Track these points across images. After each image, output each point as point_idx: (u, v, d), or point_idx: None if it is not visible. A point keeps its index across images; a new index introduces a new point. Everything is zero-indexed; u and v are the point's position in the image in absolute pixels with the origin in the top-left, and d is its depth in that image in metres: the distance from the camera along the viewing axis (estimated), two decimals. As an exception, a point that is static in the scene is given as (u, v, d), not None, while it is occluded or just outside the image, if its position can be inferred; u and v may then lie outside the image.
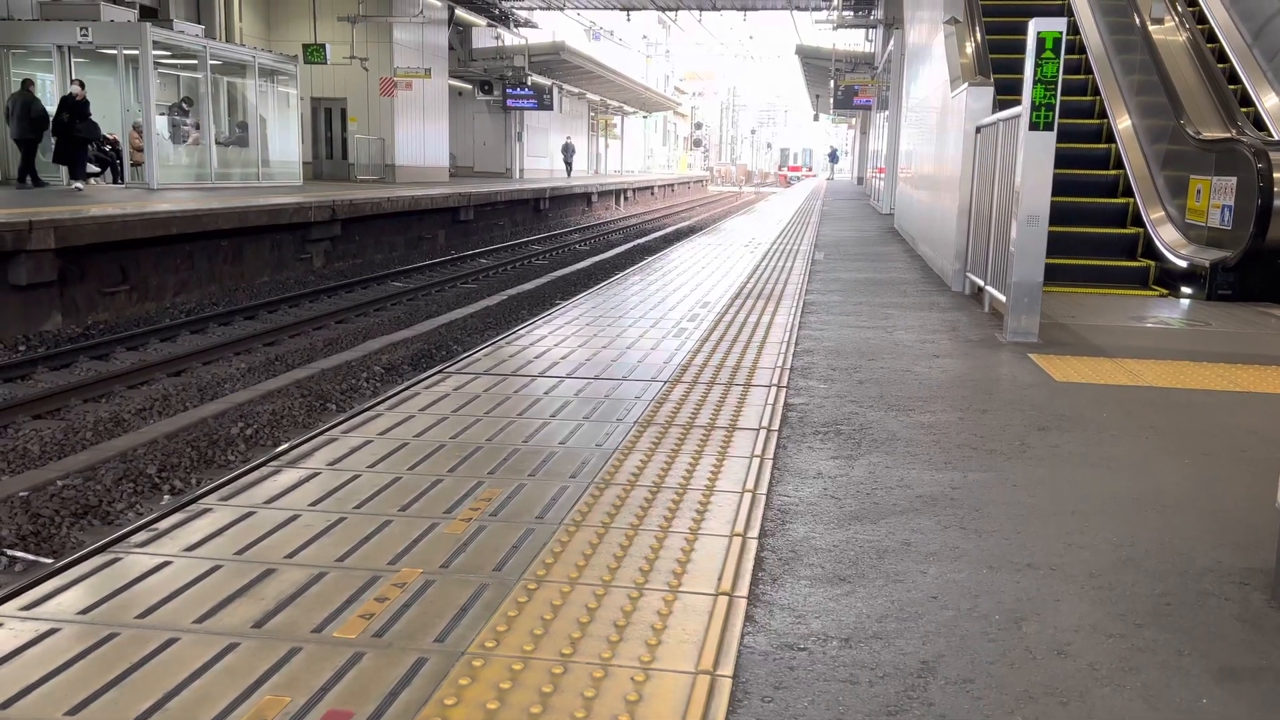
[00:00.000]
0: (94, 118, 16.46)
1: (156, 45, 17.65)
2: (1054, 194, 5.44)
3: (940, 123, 9.24)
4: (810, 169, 68.87)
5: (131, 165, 18.15)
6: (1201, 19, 9.84)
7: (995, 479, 3.15)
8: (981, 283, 6.68)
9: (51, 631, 1.96)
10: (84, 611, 2.04)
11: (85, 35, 17.55)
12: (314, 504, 2.70)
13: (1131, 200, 8.85)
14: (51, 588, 2.14)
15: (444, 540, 2.47)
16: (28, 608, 2.05)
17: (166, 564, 2.28)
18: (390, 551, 2.39)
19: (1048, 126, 5.29)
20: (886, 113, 21.09)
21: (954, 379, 4.59)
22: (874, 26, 29.58)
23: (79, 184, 15.88)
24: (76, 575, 2.20)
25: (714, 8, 34.90)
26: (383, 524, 2.57)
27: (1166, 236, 8.16)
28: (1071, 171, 8.88)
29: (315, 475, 2.94)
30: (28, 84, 16.39)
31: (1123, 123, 9.59)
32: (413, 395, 3.92)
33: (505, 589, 2.19)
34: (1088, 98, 10.34)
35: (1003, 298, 5.80)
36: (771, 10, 35.12)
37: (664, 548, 2.44)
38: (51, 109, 16.27)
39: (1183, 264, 7.67)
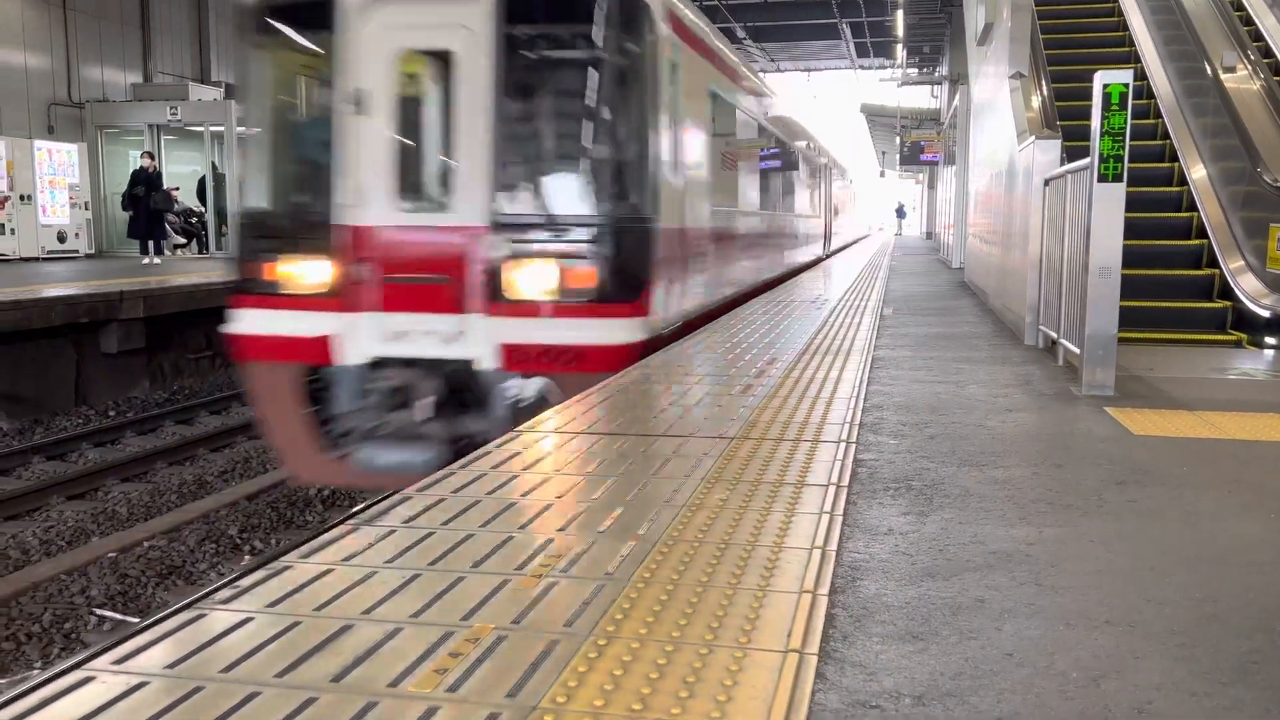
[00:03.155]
0: (181, 192, 17.15)
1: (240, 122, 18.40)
2: (1126, 237, 5.36)
3: (1008, 176, 9.19)
4: (880, 227, 68.69)
5: (217, 235, 18.86)
6: (1277, 69, 9.69)
7: (1072, 534, 3.09)
8: (1055, 335, 6.59)
9: (140, 685, 2.03)
10: (171, 666, 2.11)
11: (175, 114, 18.41)
12: (390, 561, 2.76)
13: (1206, 242, 8.70)
14: (141, 643, 2.22)
15: (516, 596, 2.50)
16: (118, 662, 2.13)
17: (249, 620, 2.35)
18: (463, 607, 2.43)
19: (1117, 178, 5.24)
20: (954, 167, 21.01)
21: (1028, 433, 4.53)
22: (939, 83, 29.62)
23: (155, 258, 16.39)
24: (164, 631, 2.28)
25: (778, 69, 35.31)
26: (456, 580, 2.62)
27: (1246, 285, 7.97)
28: (1144, 215, 8.76)
29: (391, 533, 3.01)
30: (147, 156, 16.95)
31: (1195, 168, 9.45)
32: (485, 454, 3.99)
33: (576, 645, 2.21)
34: (1158, 141, 10.23)
35: (1077, 350, 5.71)
36: (836, 70, 35.40)
37: (733, 604, 2.44)
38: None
39: (1265, 313, 7.47)
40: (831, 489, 3.49)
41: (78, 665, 2.12)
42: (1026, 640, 2.32)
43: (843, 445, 4.16)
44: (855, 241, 39.16)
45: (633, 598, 2.49)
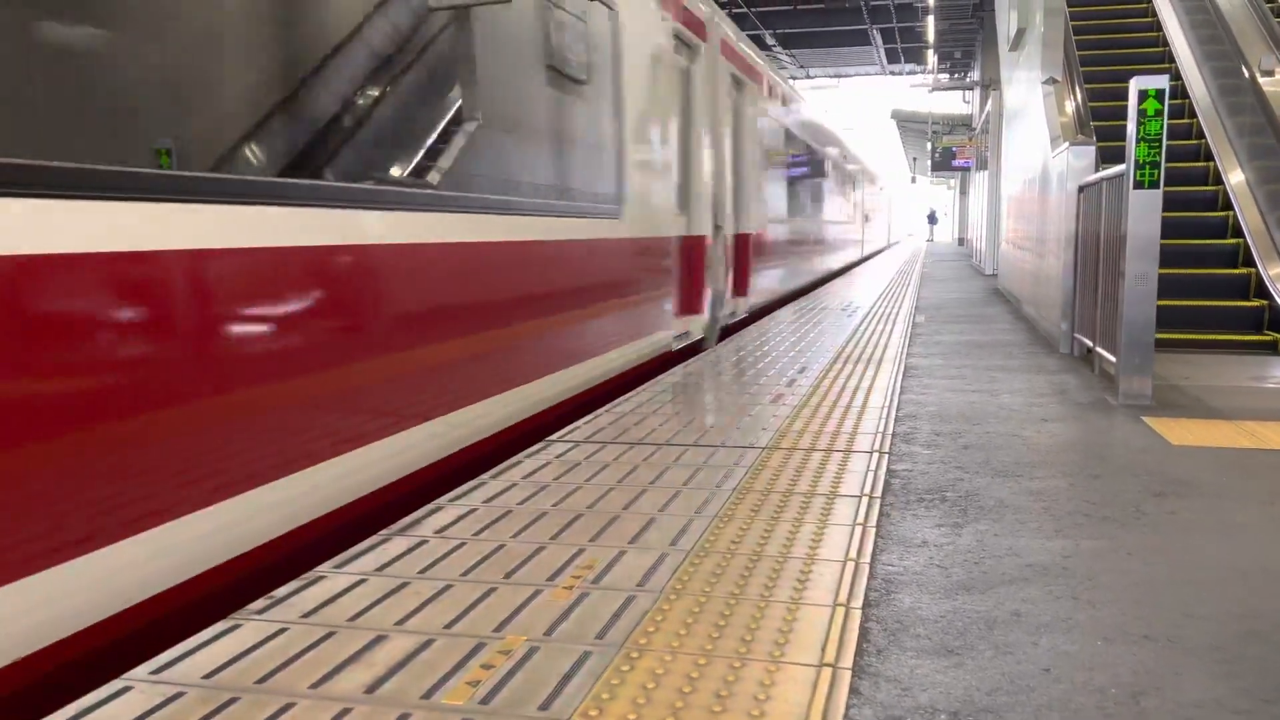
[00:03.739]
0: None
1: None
2: (1161, 237, 5.28)
3: (1042, 182, 9.11)
4: (911, 233, 68.30)
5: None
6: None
7: (1109, 547, 3.05)
8: (1090, 344, 6.52)
9: (178, 695, 2.05)
10: (208, 676, 2.13)
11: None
12: (422, 571, 2.77)
13: (1241, 241, 8.60)
14: (179, 652, 2.24)
15: (548, 607, 2.50)
16: (156, 671, 2.15)
17: (283, 630, 2.37)
18: (496, 618, 2.44)
19: (1153, 185, 5.18)
20: (986, 173, 20.86)
21: (1064, 444, 4.47)
22: (970, 88, 29.44)
23: None
24: (201, 641, 2.30)
25: (807, 75, 35.21)
26: (488, 591, 2.62)
27: (1287, 289, 7.85)
28: (1178, 214, 8.69)
29: (423, 543, 3.02)
30: None
31: (1231, 168, 9.34)
32: (516, 464, 4.00)
33: (608, 657, 2.21)
34: (1192, 141, 10.12)
35: (1113, 359, 5.64)
36: (865, 76, 35.28)
37: (765, 617, 2.43)
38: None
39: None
40: (864, 500, 3.47)
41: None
42: (1064, 655, 2.29)
43: (875, 455, 4.13)
44: (887, 248, 39.02)
45: (664, 609, 2.48)
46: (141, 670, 2.16)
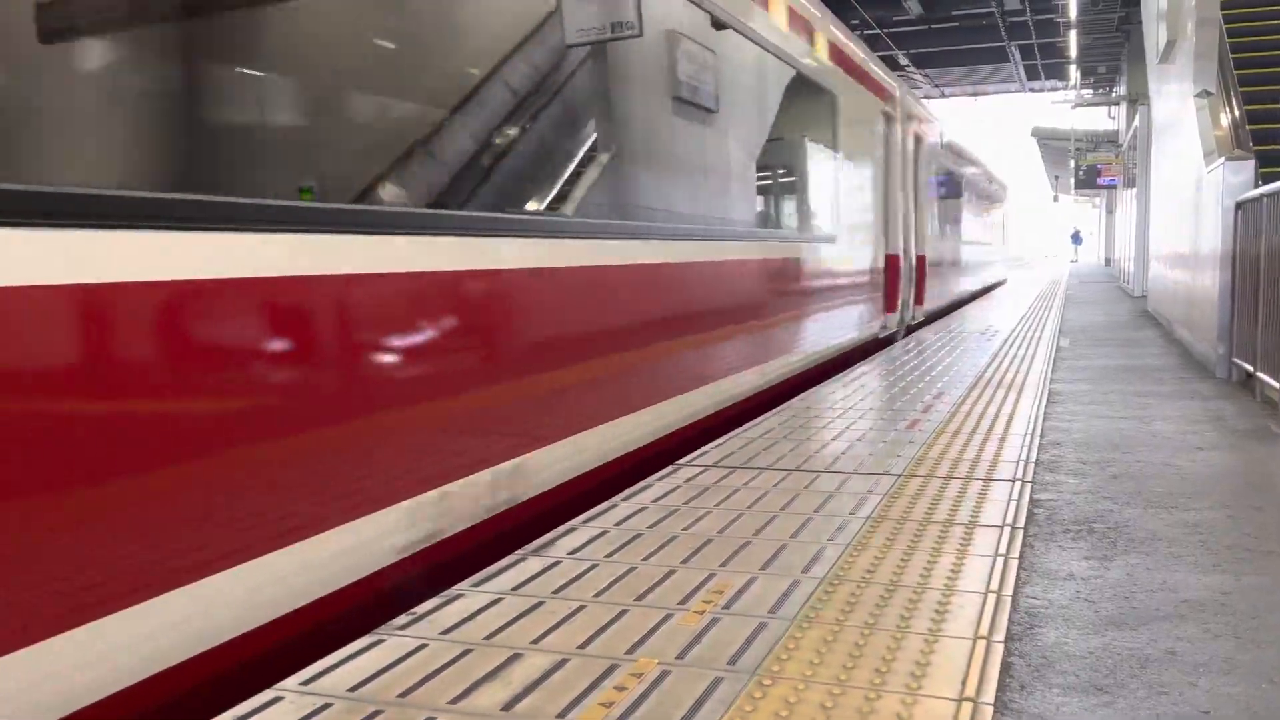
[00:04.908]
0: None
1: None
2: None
3: (1195, 199, 8.68)
4: (1052, 254, 65.94)
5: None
6: None
7: (1273, 583, 2.87)
8: (1250, 368, 6.15)
9: (324, 707, 2.14)
10: (353, 689, 2.21)
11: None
12: (556, 592, 2.82)
13: None
14: (326, 664, 2.33)
15: (679, 631, 2.51)
16: (305, 683, 2.25)
17: (424, 646, 2.44)
18: (628, 641, 2.46)
19: (1320, 199, 4.87)
20: (1134, 190, 20.00)
21: (1221, 473, 4.23)
22: (1116, 104, 28.33)
23: None
24: (347, 654, 2.39)
25: (942, 94, 34.52)
26: (620, 612, 2.64)
27: None
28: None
29: (557, 564, 3.07)
30: None
31: None
32: (646, 488, 4.03)
33: (740, 683, 2.20)
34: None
35: (1276, 384, 5.31)
36: (1004, 94, 34.36)
37: (902, 648, 2.37)
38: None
39: None
40: (1006, 530, 3.36)
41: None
42: (1224, 698, 2.16)
43: (1017, 484, 4.00)
44: (1026, 269, 37.92)
45: (797, 637, 2.45)
46: (291, 681, 2.26)
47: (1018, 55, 30.13)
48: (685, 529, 3.43)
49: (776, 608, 2.66)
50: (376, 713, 2.10)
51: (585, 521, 3.55)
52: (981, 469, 4.27)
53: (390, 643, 2.46)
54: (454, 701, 2.14)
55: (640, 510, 3.69)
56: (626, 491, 3.98)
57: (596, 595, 2.79)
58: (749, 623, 2.56)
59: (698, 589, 2.82)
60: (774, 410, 5.95)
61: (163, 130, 2.46)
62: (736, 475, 4.23)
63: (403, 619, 2.62)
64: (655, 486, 4.06)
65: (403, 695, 2.18)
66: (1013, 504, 3.69)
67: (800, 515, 3.58)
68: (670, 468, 4.40)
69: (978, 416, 5.56)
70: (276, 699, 2.17)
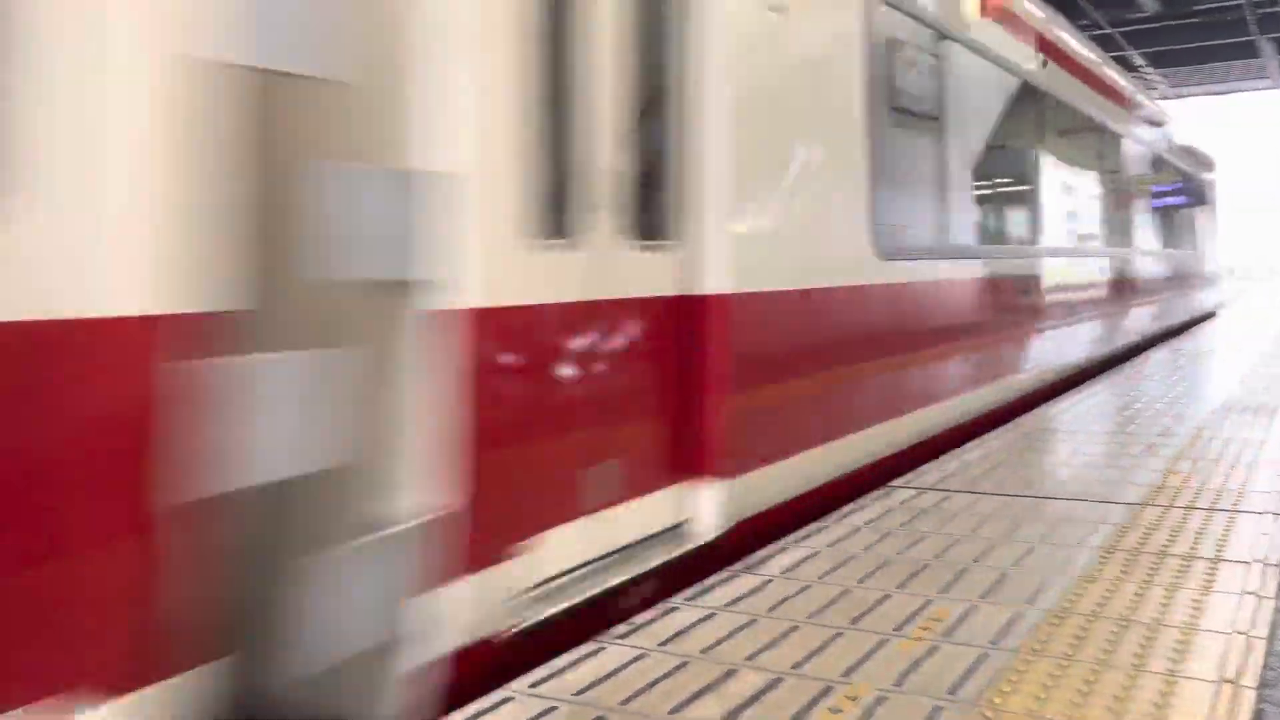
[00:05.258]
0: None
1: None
2: None
3: None
4: None
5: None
6: None
7: None
8: None
9: (551, 709, 2.25)
10: (578, 693, 2.32)
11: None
12: (770, 610, 2.84)
13: None
14: (553, 669, 2.46)
15: (895, 656, 2.48)
16: (534, 685, 2.37)
17: (643, 656, 2.52)
18: (843, 663, 2.45)
19: None
20: None
21: None
22: (1388, 96, 25.54)
23: None
24: (571, 659, 2.51)
25: (1178, 95, 32.22)
26: (834, 635, 2.64)
27: None
28: None
29: (769, 582, 3.09)
30: None
31: None
32: (859, 508, 3.98)
33: (961, 713, 2.15)
34: None
35: None
36: (1252, 91, 31.68)
37: (1136, 687, 2.25)
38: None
39: None
40: (1257, 567, 3.11)
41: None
42: None
43: (1270, 517, 3.69)
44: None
45: (1020, 670, 2.37)
46: (521, 683, 2.39)
47: (1270, 49, 27.72)
48: (899, 553, 3.38)
49: (999, 638, 2.58)
50: (599, 718, 2.19)
51: (796, 542, 3.55)
52: (1227, 499, 3.97)
53: (611, 651, 2.56)
54: (673, 711, 2.20)
55: (853, 532, 3.65)
56: (839, 512, 3.95)
57: (810, 616, 2.79)
58: (970, 652, 2.49)
59: (915, 615, 2.77)
60: (995, 430, 5.73)
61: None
62: (954, 500, 4.12)
63: (622, 628, 2.71)
64: (870, 508, 4.00)
65: (624, 702, 2.26)
66: (1265, 538, 3.42)
67: (1023, 544, 3.44)
68: (883, 489, 4.33)
69: (1223, 442, 5.17)
70: (507, 699, 2.30)
